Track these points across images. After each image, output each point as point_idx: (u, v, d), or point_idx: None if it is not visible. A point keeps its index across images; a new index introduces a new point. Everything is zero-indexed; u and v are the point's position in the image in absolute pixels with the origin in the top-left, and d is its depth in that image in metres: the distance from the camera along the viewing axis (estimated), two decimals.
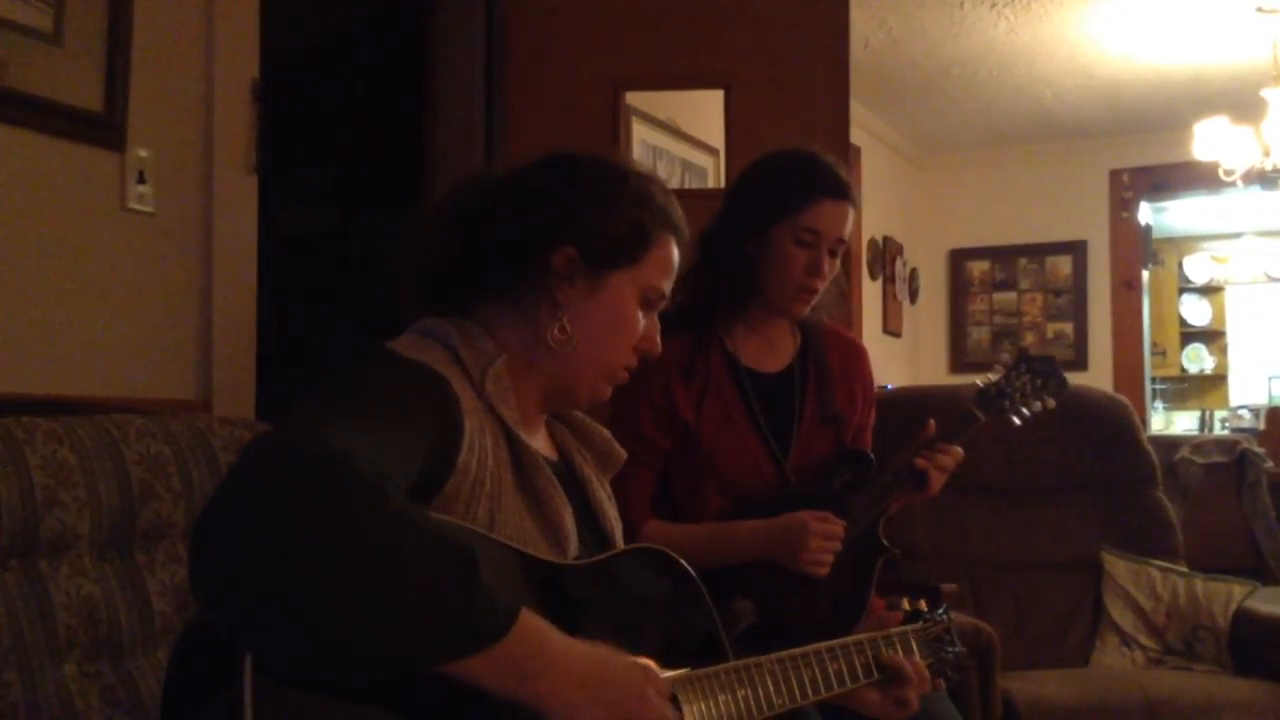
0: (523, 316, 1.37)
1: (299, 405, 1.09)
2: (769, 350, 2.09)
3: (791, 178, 1.99)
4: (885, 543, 1.98)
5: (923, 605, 1.68)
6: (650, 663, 1.20)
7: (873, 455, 2.07)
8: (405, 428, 1.15)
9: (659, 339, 1.45)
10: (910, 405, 2.86)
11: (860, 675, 1.50)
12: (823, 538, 1.87)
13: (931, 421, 1.97)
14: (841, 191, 1.96)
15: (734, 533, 1.94)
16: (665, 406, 1.99)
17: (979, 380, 1.99)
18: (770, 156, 2.05)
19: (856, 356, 2.16)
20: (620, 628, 1.26)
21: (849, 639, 1.51)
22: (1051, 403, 1.98)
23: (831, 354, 2.12)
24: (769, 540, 1.90)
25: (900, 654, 1.56)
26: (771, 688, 1.35)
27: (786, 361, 2.10)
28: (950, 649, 1.66)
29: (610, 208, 1.37)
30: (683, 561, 1.38)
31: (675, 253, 1.44)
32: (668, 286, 1.44)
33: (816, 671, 1.43)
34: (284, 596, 0.89)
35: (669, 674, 1.26)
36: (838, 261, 2.02)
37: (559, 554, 1.31)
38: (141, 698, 1.57)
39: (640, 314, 1.41)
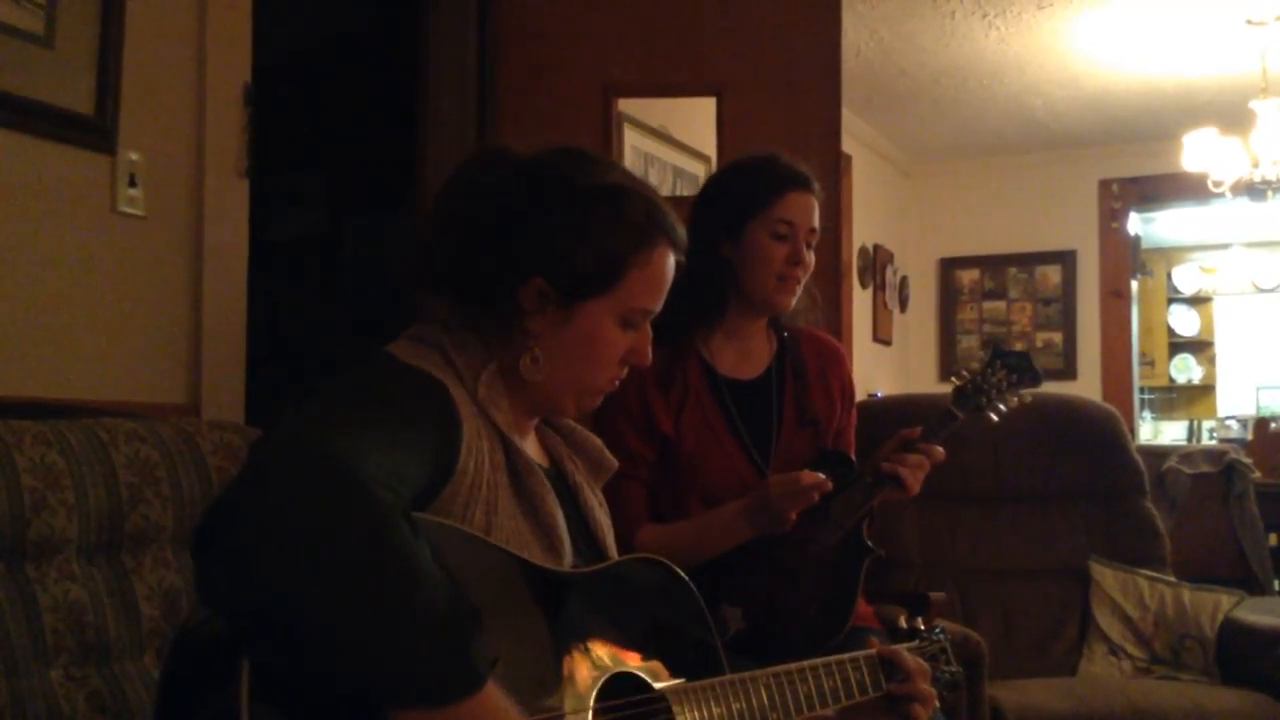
0: (501, 337, 1.35)
1: (304, 408, 1.09)
2: (746, 357, 2.10)
3: (758, 176, 2.05)
4: (869, 544, 1.99)
5: (920, 624, 1.67)
6: None
7: (853, 457, 2.07)
8: (408, 433, 1.15)
9: (649, 350, 1.41)
10: (899, 413, 2.86)
11: (855, 691, 1.48)
12: (782, 483, 1.87)
13: (919, 429, 1.97)
14: (806, 183, 2.04)
15: (719, 517, 1.95)
16: (644, 418, 2.00)
17: (955, 378, 2.00)
18: (732, 164, 2.13)
19: (834, 358, 2.17)
20: (617, 637, 1.27)
21: (845, 655, 1.50)
22: (1028, 397, 1.98)
23: (808, 357, 2.13)
24: (748, 512, 1.91)
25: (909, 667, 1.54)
26: (766, 701, 1.35)
27: (763, 367, 2.11)
28: (946, 668, 1.65)
29: (578, 239, 1.31)
30: (680, 572, 1.38)
31: (667, 264, 1.38)
32: (656, 302, 1.39)
33: (811, 687, 1.42)
34: (283, 601, 0.90)
35: (663, 685, 1.27)
36: (812, 255, 2.04)
37: (554, 557, 1.31)
38: (128, 702, 1.57)
39: (622, 335, 1.37)
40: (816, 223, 2.04)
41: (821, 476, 1.87)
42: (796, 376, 2.10)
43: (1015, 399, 1.97)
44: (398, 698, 0.94)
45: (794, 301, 2.05)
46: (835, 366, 2.16)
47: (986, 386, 1.96)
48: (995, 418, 1.97)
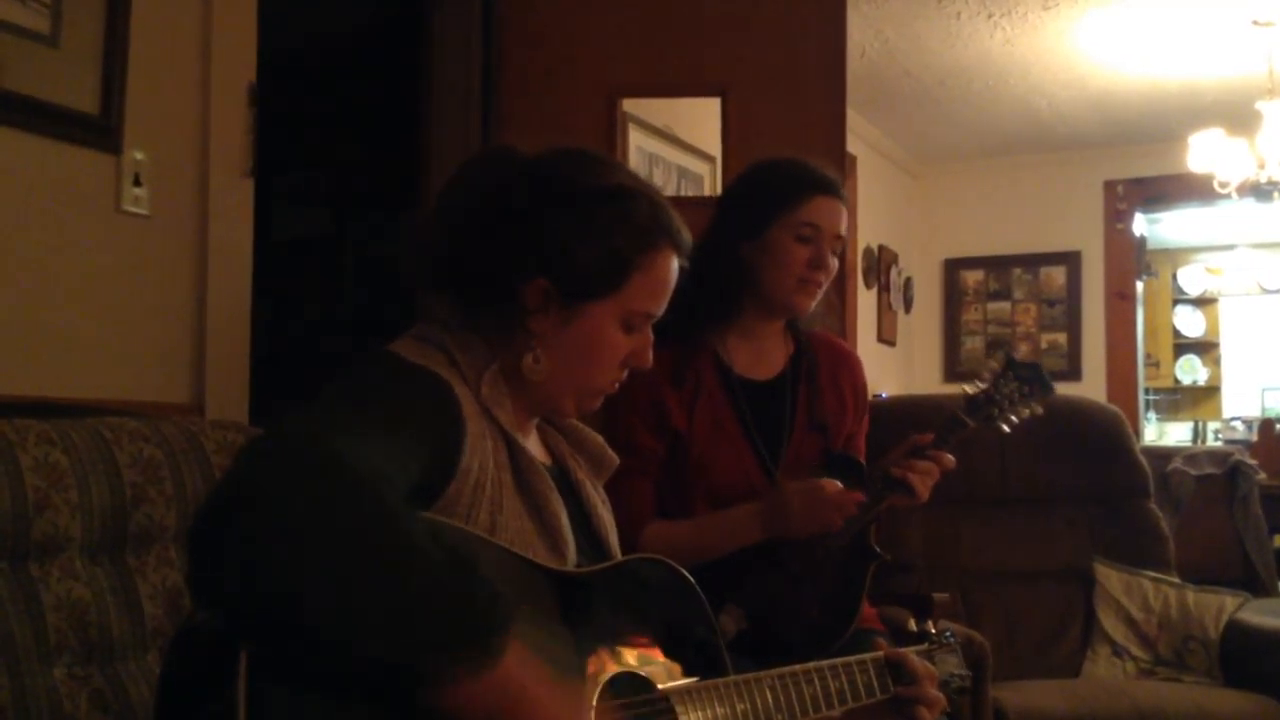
0: (502, 336, 1.35)
1: (302, 407, 1.09)
2: (761, 358, 2.10)
3: (785, 178, 2.03)
4: (876, 549, 1.98)
5: (930, 627, 1.66)
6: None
7: (863, 462, 2.07)
8: (408, 431, 1.15)
9: (650, 354, 1.40)
10: (903, 414, 2.86)
11: (862, 694, 1.47)
12: (802, 492, 1.87)
13: (929, 436, 1.97)
14: (834, 188, 2.02)
15: (729, 517, 1.94)
16: (656, 414, 1.99)
17: (967, 387, 1.99)
18: (760, 164, 2.10)
19: (848, 364, 2.17)
20: (620, 636, 1.27)
21: (852, 658, 1.49)
22: (1039, 409, 1.98)
23: (822, 362, 2.13)
24: (761, 515, 1.91)
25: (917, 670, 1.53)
26: (771, 702, 1.35)
27: (778, 369, 2.10)
28: (956, 672, 1.63)
29: (582, 239, 1.31)
30: (684, 572, 1.38)
31: (670, 267, 1.38)
32: (658, 305, 1.38)
33: (818, 688, 1.41)
34: (280, 597, 0.89)
35: (666, 685, 1.27)
36: (836, 262, 2.04)
37: (558, 556, 1.31)
38: (131, 702, 1.57)
39: (624, 337, 1.37)
40: (843, 230, 2.03)
41: (839, 485, 1.88)
42: (810, 380, 2.10)
43: (1026, 411, 1.97)
44: (417, 676, 0.94)
45: (813, 305, 2.05)
46: (848, 372, 2.16)
47: (999, 397, 1.96)
48: (1006, 428, 1.97)
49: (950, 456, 1.94)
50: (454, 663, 0.95)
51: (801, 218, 1.98)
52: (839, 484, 1.89)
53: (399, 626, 0.92)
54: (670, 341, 1.99)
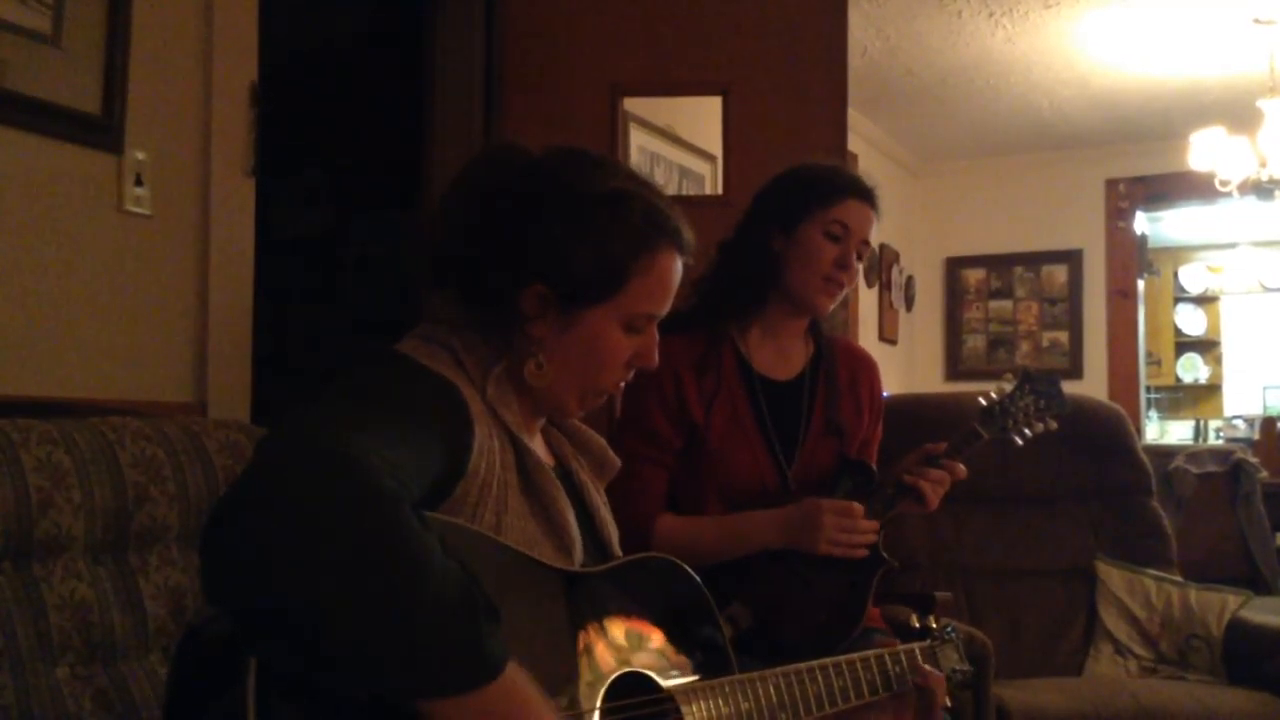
0: (505, 338, 1.35)
1: (313, 405, 1.08)
2: (782, 358, 2.10)
3: (823, 177, 2.07)
4: (884, 555, 1.98)
5: (931, 623, 1.67)
6: None
7: (875, 468, 2.07)
8: (420, 432, 1.15)
9: (656, 353, 1.39)
10: (905, 413, 2.86)
11: (865, 692, 1.48)
12: (836, 514, 1.88)
13: (943, 445, 1.97)
14: (868, 195, 2.06)
15: (750, 521, 1.95)
16: (676, 403, 2.00)
17: (982, 398, 2.00)
18: (800, 164, 2.14)
19: (866, 370, 2.18)
20: (626, 635, 1.26)
21: (855, 655, 1.49)
22: (1054, 424, 1.99)
23: (841, 366, 2.13)
24: (786, 525, 1.92)
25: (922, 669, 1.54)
26: (775, 700, 1.35)
27: (798, 370, 2.11)
28: (957, 667, 1.64)
29: (577, 244, 1.30)
30: (691, 571, 1.38)
31: (671, 268, 1.36)
32: (660, 307, 1.37)
33: (821, 686, 1.42)
34: (291, 599, 0.89)
35: (670, 683, 1.27)
36: (861, 267, 2.06)
37: (565, 556, 1.31)
38: (134, 701, 1.57)
39: (626, 339, 1.35)
40: (871, 238, 2.05)
41: (859, 507, 1.90)
42: (829, 383, 2.10)
43: (1041, 426, 1.98)
44: (416, 690, 0.94)
45: (833, 306, 2.05)
46: (866, 378, 2.17)
47: (1014, 410, 1.98)
48: (1020, 441, 1.98)
49: (962, 467, 1.96)
50: (455, 678, 0.95)
51: (834, 215, 2.01)
52: (852, 509, 1.89)
53: (404, 642, 0.92)
54: (696, 329, 2.00)
